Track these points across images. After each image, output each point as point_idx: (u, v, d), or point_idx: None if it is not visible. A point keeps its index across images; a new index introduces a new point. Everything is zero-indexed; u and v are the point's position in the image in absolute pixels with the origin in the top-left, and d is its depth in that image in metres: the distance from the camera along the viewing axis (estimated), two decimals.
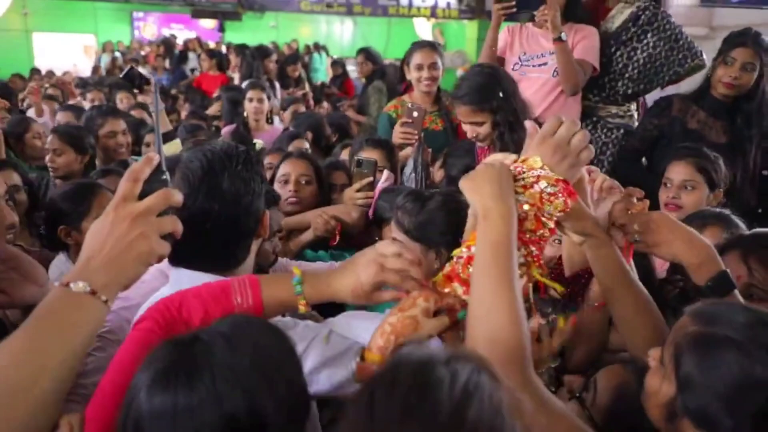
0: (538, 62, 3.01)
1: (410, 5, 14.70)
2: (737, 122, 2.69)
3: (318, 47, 13.10)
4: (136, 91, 3.33)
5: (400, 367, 0.73)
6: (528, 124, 1.18)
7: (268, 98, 4.12)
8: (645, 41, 2.98)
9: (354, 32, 16.90)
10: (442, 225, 1.62)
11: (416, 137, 2.60)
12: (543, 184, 1.08)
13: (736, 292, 1.19)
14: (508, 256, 1.00)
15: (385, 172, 2.51)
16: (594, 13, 3.14)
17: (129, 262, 0.94)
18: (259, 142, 3.39)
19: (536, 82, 3.00)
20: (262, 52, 5.80)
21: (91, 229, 0.98)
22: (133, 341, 1.07)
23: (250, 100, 4.00)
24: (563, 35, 2.80)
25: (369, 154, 2.48)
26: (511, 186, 1.07)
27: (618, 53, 3.01)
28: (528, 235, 1.09)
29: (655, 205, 2.26)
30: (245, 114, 4.02)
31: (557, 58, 2.85)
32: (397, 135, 2.62)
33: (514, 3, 2.82)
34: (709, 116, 2.72)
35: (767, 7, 5.03)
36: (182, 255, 1.24)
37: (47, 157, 3.11)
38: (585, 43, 2.94)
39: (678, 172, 2.24)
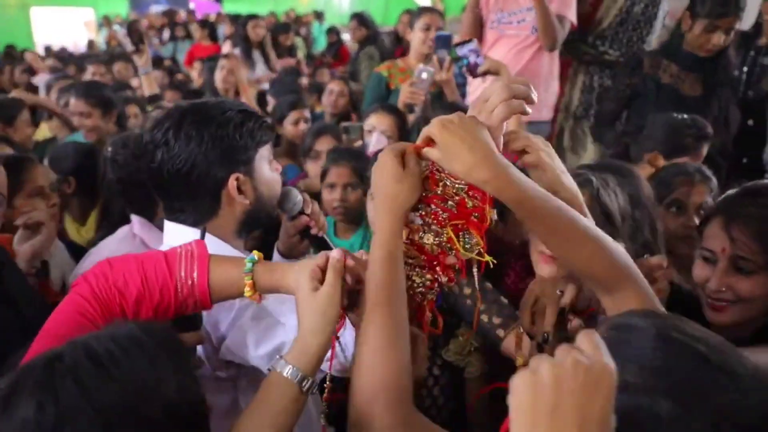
0: (516, 19, 3.00)
1: None
2: (708, 72, 2.70)
3: (318, 15, 13.00)
4: (132, 48, 3.37)
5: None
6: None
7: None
8: None
9: (352, 0, 16.70)
10: None
11: (422, 98, 2.74)
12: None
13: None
14: (383, 275, 0.98)
15: (375, 135, 2.55)
16: None
17: None
18: None
19: (514, 40, 3.00)
20: (250, 17, 5.79)
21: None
22: (65, 306, 1.02)
23: (221, 68, 3.99)
24: None
25: (381, 120, 2.61)
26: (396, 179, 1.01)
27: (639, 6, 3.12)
28: (425, 193, 1.04)
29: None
30: (215, 83, 4.02)
31: (536, 14, 2.84)
32: (405, 94, 2.76)
33: None
34: (682, 69, 2.72)
35: None
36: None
37: (76, 121, 3.07)
38: None
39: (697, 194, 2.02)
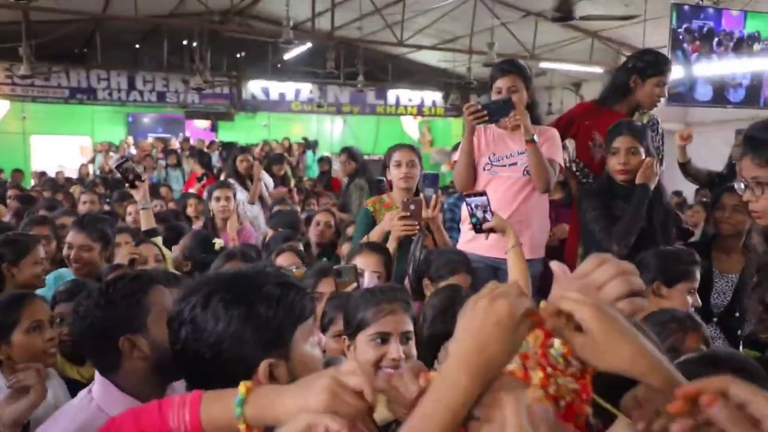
0: (508, 162, 3.04)
1: (397, 104, 15.28)
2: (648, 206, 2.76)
3: (309, 145, 13.47)
4: (126, 185, 3.35)
5: None
6: (554, 265, 0.97)
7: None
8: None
9: (344, 130, 17.39)
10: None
11: (417, 228, 2.74)
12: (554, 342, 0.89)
13: None
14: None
15: (367, 275, 2.50)
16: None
17: None
18: (219, 242, 3.36)
19: (507, 182, 3.02)
20: (239, 150, 5.97)
21: None
22: None
23: (217, 199, 4.00)
24: (535, 137, 2.86)
25: (368, 260, 2.58)
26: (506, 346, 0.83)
27: None
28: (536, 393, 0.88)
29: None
30: (211, 213, 4.02)
31: (530, 158, 2.90)
32: (398, 228, 2.77)
33: (485, 112, 2.89)
34: (625, 202, 2.78)
35: (730, 106, 5.31)
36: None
37: (72, 254, 2.96)
38: (550, 143, 3.00)
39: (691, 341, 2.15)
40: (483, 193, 2.49)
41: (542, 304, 0.87)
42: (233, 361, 1.09)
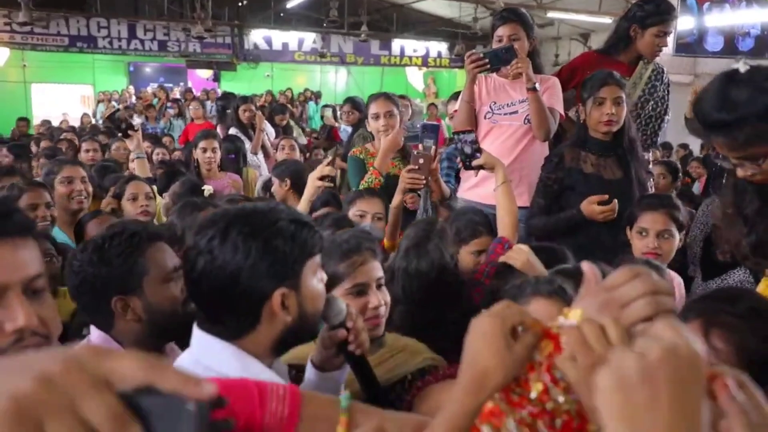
0: (508, 110, 3.03)
1: (402, 54, 15.05)
2: (621, 153, 2.74)
3: (314, 95, 13.36)
4: (119, 134, 3.33)
5: None
6: (585, 266, 0.88)
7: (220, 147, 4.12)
8: (656, 94, 3.24)
9: (348, 81, 17.19)
10: None
11: (424, 182, 2.65)
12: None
13: None
14: None
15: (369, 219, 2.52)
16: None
17: None
18: (208, 188, 3.37)
19: (507, 130, 3.01)
20: (242, 100, 5.90)
21: None
22: None
23: (204, 150, 3.98)
24: (537, 85, 2.83)
25: (371, 204, 2.61)
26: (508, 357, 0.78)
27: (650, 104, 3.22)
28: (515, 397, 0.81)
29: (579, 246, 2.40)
30: (196, 162, 4.01)
31: (531, 106, 2.88)
32: (405, 181, 2.66)
33: (486, 60, 2.85)
34: (600, 157, 2.74)
35: (739, 56, 5.22)
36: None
37: (76, 186, 2.93)
38: (551, 92, 2.98)
39: (654, 221, 2.36)
40: (471, 131, 2.47)
41: (560, 318, 0.77)
42: (249, 290, 1.15)
